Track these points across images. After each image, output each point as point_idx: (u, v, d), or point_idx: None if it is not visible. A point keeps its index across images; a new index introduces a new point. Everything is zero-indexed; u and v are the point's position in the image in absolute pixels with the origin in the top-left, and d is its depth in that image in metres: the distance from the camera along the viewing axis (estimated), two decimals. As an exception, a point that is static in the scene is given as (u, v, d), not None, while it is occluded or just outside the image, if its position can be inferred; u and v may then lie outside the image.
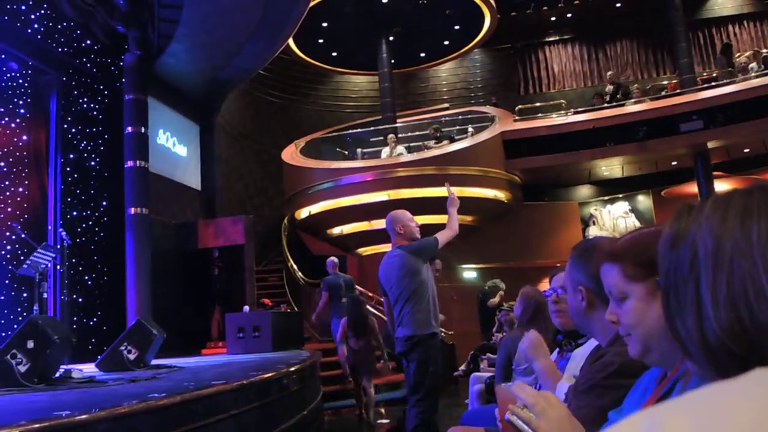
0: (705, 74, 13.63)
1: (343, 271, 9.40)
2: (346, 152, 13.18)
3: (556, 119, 12.39)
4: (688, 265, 0.59)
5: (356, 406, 6.93)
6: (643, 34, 15.88)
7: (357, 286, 10.43)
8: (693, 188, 12.22)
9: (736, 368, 0.54)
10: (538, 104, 13.95)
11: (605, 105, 12.65)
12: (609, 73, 14.52)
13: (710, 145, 11.55)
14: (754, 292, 0.54)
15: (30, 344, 4.18)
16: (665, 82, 14.25)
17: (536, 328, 3.21)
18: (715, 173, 11.99)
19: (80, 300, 7.96)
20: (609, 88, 13.36)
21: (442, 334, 4.98)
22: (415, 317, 3.72)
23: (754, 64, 12.01)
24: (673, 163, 12.62)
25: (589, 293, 1.50)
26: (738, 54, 13.47)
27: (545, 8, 15.61)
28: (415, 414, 3.73)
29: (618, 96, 12.95)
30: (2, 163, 7.82)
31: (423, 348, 3.71)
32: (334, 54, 14.63)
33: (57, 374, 4.56)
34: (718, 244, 0.57)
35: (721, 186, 11.93)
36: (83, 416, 2.59)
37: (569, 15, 16.03)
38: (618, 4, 15.53)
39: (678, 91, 12.59)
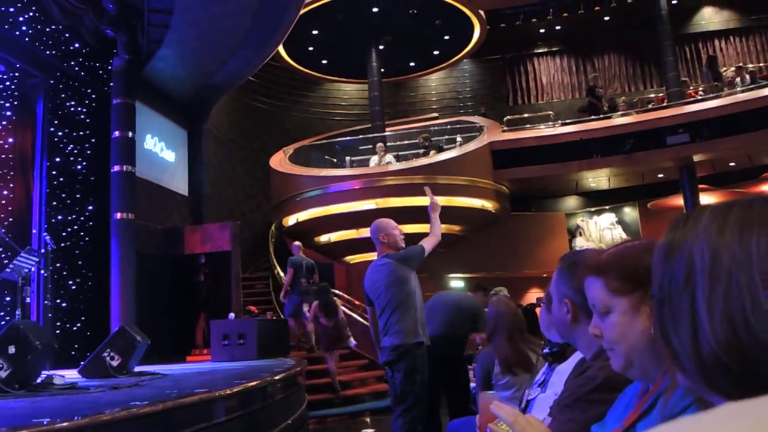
0: (692, 88, 13.80)
1: (331, 279, 9.42)
2: (335, 160, 13.18)
3: (544, 130, 12.48)
4: (684, 276, 0.58)
5: (332, 387, 8.19)
6: (630, 47, 16.07)
7: (346, 294, 10.43)
8: (679, 201, 12.36)
9: (728, 383, 0.55)
10: (526, 115, 14.07)
11: (592, 117, 12.77)
12: (592, 75, 14.74)
13: (696, 158, 11.68)
14: (751, 307, 0.53)
15: (11, 349, 4.12)
16: (652, 95, 14.42)
17: (498, 341, 3.22)
18: (700, 186, 12.13)
19: (64, 305, 7.85)
20: (600, 91, 13.63)
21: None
22: (402, 326, 3.69)
23: (738, 79, 12.18)
24: (660, 175, 12.75)
25: (575, 306, 1.48)
26: (724, 69, 13.66)
27: (534, 20, 15.75)
28: (401, 424, 3.69)
29: (593, 100, 13.22)
30: (-13, 166, 7.73)
31: (410, 357, 3.68)
32: (324, 62, 14.65)
33: (38, 380, 4.49)
34: (715, 256, 0.56)
35: (707, 199, 12.07)
36: (64, 423, 2.55)
37: (558, 27, 16.18)
38: (606, 18, 15.71)
39: (665, 104, 12.73)
